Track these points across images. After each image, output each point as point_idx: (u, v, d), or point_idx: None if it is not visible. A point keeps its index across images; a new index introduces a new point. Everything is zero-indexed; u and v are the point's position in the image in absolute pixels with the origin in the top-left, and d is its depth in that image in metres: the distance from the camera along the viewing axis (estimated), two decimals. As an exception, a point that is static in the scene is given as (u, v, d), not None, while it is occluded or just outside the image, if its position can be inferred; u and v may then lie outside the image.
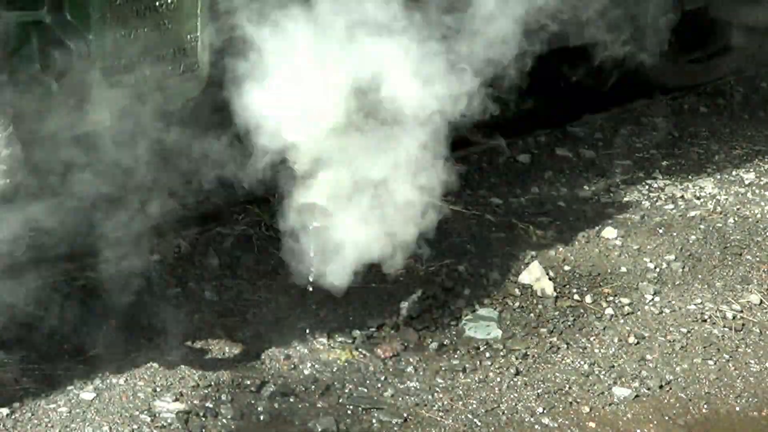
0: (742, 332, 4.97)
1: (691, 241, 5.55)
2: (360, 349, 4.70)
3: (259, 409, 4.35)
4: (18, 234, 3.96)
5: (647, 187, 6.03)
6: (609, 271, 5.31)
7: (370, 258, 4.56)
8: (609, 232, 5.59)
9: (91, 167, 4.17)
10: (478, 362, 4.70)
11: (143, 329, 4.62)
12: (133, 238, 4.61)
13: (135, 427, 4.20)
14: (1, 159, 3.67)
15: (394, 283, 5.05)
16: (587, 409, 4.52)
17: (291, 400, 4.41)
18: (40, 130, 3.91)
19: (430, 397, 4.50)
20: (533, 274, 5.16)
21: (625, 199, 5.91)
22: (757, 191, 6.02)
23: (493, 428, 4.40)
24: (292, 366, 4.55)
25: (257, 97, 4.19)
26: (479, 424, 4.41)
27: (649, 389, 4.63)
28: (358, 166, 4.38)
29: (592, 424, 4.46)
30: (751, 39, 6.88)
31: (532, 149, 6.24)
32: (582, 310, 5.04)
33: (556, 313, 5.00)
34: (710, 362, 4.80)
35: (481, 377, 4.62)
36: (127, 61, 3.90)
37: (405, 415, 4.39)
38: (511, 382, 4.60)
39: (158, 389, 4.36)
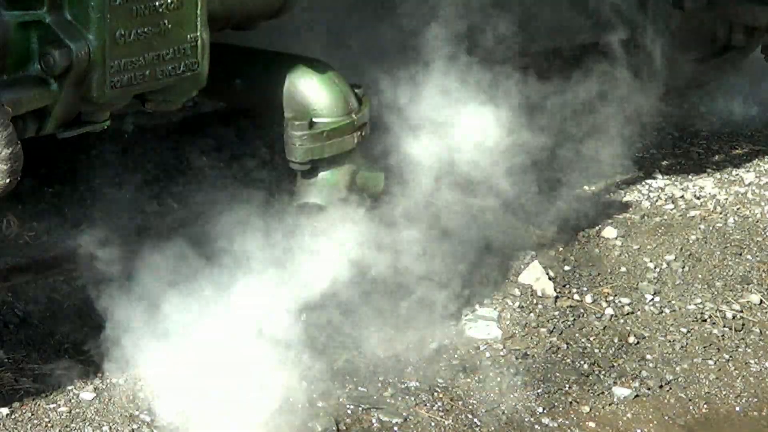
0: (742, 332, 4.97)
1: (691, 241, 5.55)
2: (360, 349, 4.70)
3: (259, 409, 4.35)
4: None
5: (647, 187, 6.03)
6: (609, 271, 5.31)
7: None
8: (609, 232, 5.59)
9: None
10: (478, 362, 4.70)
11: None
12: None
13: (135, 427, 4.20)
14: (1, 158, 3.67)
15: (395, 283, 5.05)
16: (587, 409, 4.52)
17: (291, 400, 4.40)
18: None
19: (430, 397, 4.50)
20: (533, 274, 5.16)
21: (625, 199, 5.91)
22: (757, 191, 6.02)
23: (493, 428, 4.40)
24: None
25: None
26: (479, 424, 4.40)
27: (649, 389, 4.63)
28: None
29: (592, 424, 4.46)
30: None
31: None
32: (582, 310, 5.04)
33: (556, 313, 5.00)
34: (710, 362, 4.80)
35: (481, 377, 4.62)
36: (127, 61, 3.90)
37: (405, 415, 4.39)
38: (511, 382, 4.60)
39: (158, 389, 4.35)
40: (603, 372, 4.70)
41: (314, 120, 4.27)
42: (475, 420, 4.42)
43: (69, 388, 4.33)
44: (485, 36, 5.05)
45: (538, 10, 5.90)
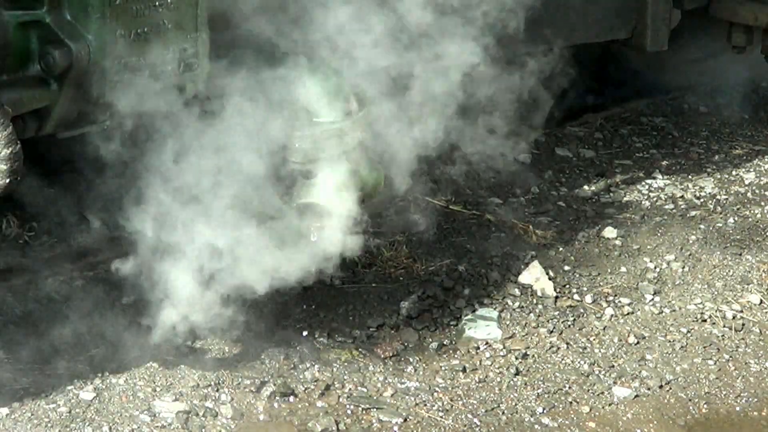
0: (742, 332, 4.97)
1: (691, 241, 5.55)
2: (360, 349, 4.70)
3: (259, 409, 4.35)
4: None
5: (647, 187, 6.03)
6: (609, 271, 5.31)
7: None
8: (609, 232, 5.59)
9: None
10: (478, 362, 4.70)
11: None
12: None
13: (135, 427, 4.20)
14: (1, 158, 3.67)
15: (394, 283, 5.05)
16: (587, 409, 4.52)
17: (291, 400, 4.41)
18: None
19: (430, 397, 4.50)
20: (533, 274, 5.16)
21: (625, 199, 5.91)
22: (757, 191, 6.02)
23: (493, 428, 4.40)
24: (292, 366, 4.55)
25: None
26: (479, 424, 4.40)
27: (649, 389, 4.63)
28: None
29: (592, 424, 4.46)
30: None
31: (532, 149, 6.24)
32: (582, 310, 5.04)
33: (556, 313, 5.00)
34: (710, 362, 4.80)
35: (481, 377, 4.62)
36: (127, 60, 3.90)
37: (405, 415, 4.39)
38: (511, 382, 4.60)
39: (158, 389, 4.35)
40: (603, 372, 4.70)
41: (314, 120, 4.26)
42: (475, 420, 4.42)
43: (69, 388, 4.34)
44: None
45: None
